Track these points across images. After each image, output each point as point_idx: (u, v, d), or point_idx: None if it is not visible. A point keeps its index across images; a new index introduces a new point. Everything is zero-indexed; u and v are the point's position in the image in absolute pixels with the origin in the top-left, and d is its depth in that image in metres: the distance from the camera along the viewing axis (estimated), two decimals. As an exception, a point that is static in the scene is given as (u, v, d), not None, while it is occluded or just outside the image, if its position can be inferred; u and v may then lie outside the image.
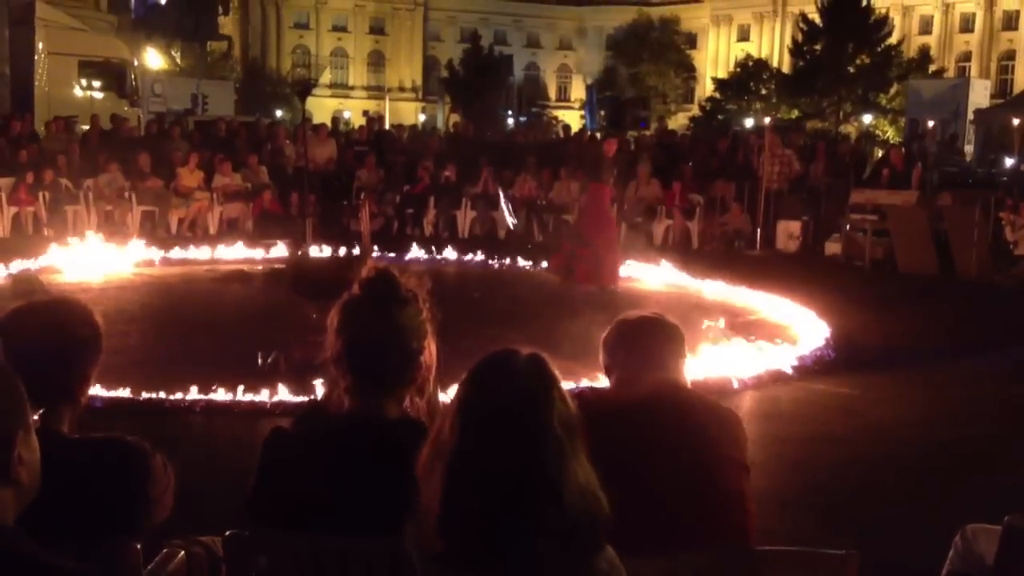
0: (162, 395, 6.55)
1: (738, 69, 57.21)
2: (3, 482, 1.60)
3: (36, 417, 1.87)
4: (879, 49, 48.34)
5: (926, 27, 64.67)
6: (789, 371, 7.90)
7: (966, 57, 62.79)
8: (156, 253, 13.69)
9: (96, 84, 23.95)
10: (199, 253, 13.97)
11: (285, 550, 2.26)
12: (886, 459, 6.06)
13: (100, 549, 2.22)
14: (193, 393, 6.56)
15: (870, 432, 6.62)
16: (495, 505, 1.76)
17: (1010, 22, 61.90)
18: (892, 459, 6.07)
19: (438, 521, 1.80)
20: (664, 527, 2.44)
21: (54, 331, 2.37)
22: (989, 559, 3.09)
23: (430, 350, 2.42)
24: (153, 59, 43.56)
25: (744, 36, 71.90)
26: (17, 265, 11.90)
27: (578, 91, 72.57)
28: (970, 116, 26.91)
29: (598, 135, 25.97)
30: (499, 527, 1.76)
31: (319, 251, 12.50)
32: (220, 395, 6.57)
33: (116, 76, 24.39)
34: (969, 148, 22.58)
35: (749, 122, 43.74)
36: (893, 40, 51.03)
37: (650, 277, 12.54)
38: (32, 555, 1.54)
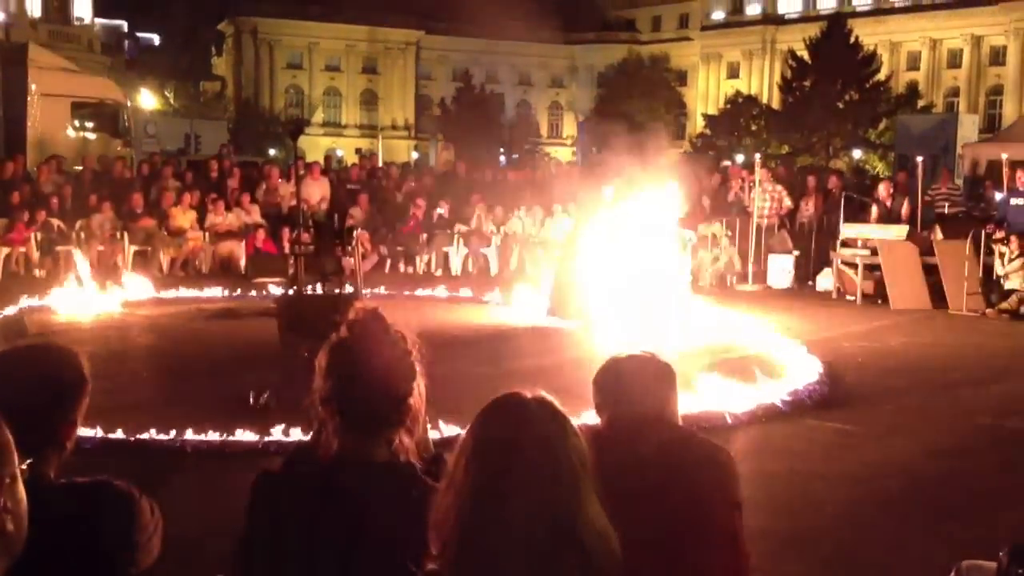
0: (152, 435, 6.51)
1: (728, 105, 57.67)
2: (-12, 532, 1.58)
3: (24, 466, 1.85)
4: (867, 85, 48.87)
5: (914, 63, 65.37)
6: (782, 406, 7.88)
7: (954, 92, 63.41)
8: (148, 293, 13.67)
9: (89, 125, 24.00)
10: (191, 292, 13.97)
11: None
12: (880, 495, 6.04)
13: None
14: (183, 433, 6.52)
15: (864, 468, 6.60)
16: (515, 547, 1.76)
17: (997, 57, 62.59)
18: (886, 495, 6.05)
19: (454, 565, 1.79)
20: (657, 568, 2.41)
21: (40, 377, 2.35)
22: (985, 596, 3.06)
23: (419, 391, 2.41)
24: (146, 99, 43.77)
25: (734, 73, 72.54)
26: (7, 308, 11.87)
27: (569, 128, 73.05)
28: (959, 151, 27.07)
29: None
30: (520, 569, 1.76)
31: (311, 290, 12.48)
32: (211, 435, 6.53)
33: (109, 117, 24.45)
34: (959, 182, 22.70)
35: (740, 158, 43.99)
36: (881, 76, 51.62)
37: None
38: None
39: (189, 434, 6.53)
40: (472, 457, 1.84)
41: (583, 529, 1.79)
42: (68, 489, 2.32)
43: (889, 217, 16.21)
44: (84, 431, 5.77)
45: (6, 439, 1.62)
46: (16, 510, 1.63)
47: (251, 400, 7.21)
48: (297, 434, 6.07)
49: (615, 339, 10.22)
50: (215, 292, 14.02)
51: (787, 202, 17.43)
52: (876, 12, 65.40)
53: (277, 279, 13.71)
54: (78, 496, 2.30)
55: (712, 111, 61.18)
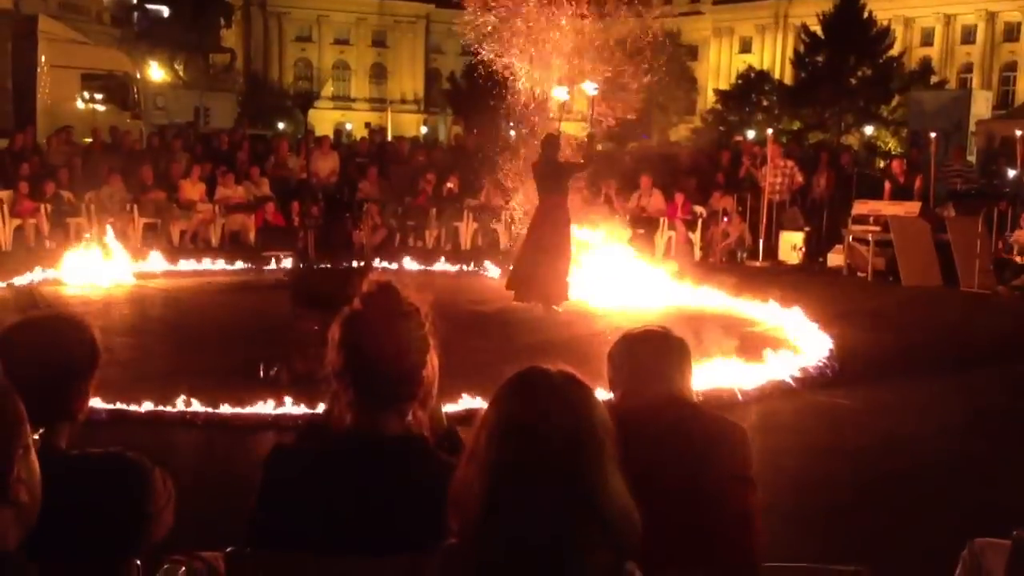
0: (163, 407, 6.53)
1: (740, 81, 57.31)
2: (3, 502, 1.58)
3: (36, 436, 1.85)
4: (880, 61, 48.45)
5: (927, 39, 64.77)
6: (793, 383, 7.87)
7: (967, 69, 62.85)
8: (158, 265, 13.70)
9: (99, 97, 23.97)
10: (201, 265, 13.99)
11: (287, 570, 2.23)
12: (892, 472, 6.02)
13: (100, 567, 2.19)
14: (195, 405, 6.54)
15: (875, 445, 6.58)
16: (540, 521, 1.76)
17: (1011, 33, 61.98)
18: (898, 472, 6.03)
19: (478, 538, 1.79)
20: (670, 544, 2.40)
21: (51, 349, 2.35)
22: (996, 574, 3.06)
23: (432, 364, 2.40)
24: (156, 72, 43.64)
25: (746, 48, 72.02)
26: (18, 278, 11.91)
27: (580, 103, 72.70)
28: (972, 127, 26.90)
29: (599, 146, 25.94)
30: (544, 540, 1.76)
31: (321, 263, 12.48)
32: (222, 407, 6.55)
33: (119, 89, 24.41)
34: (971, 159, 22.58)
35: (751, 133, 43.77)
36: (894, 52, 51.17)
37: (652, 290, 12.48)
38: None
39: (200, 406, 6.54)
40: (496, 431, 1.83)
41: (607, 502, 1.79)
42: (81, 460, 2.32)
43: (902, 194, 16.12)
44: (95, 402, 5.80)
45: (19, 410, 1.61)
46: (30, 480, 1.63)
47: (261, 373, 7.22)
48: (307, 407, 6.07)
49: (623, 315, 10.27)
50: (225, 265, 14.03)
51: (798, 178, 17.35)
52: (890, -13, 64.79)
53: (287, 252, 13.73)
54: (91, 467, 2.30)
55: (724, 86, 60.74)
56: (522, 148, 15.11)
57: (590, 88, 12.53)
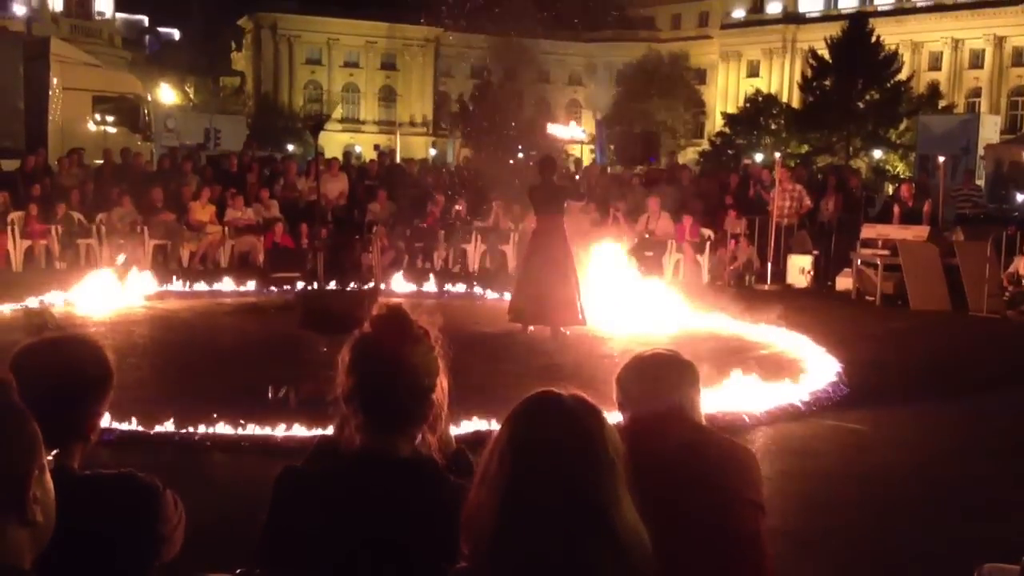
0: (173, 429, 6.54)
1: (748, 104, 57.48)
2: (19, 523, 1.59)
3: (51, 457, 1.86)
4: (888, 85, 48.63)
5: (935, 63, 64.93)
6: (801, 406, 7.86)
7: (976, 93, 62.95)
8: (167, 286, 13.75)
9: (110, 119, 24.13)
10: (210, 286, 14.04)
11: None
12: (900, 496, 6.01)
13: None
14: (204, 427, 6.56)
15: (884, 469, 6.56)
16: (553, 544, 1.76)
17: (1019, 58, 62.11)
18: (906, 496, 6.02)
19: (490, 562, 1.80)
20: (679, 568, 2.41)
21: (66, 370, 2.36)
22: (1006, 600, 3.05)
23: (442, 387, 2.41)
24: (166, 94, 43.96)
25: (754, 72, 72.27)
26: (30, 299, 11.96)
27: (588, 126, 72.94)
28: (980, 152, 26.93)
29: (608, 169, 26.00)
30: (557, 564, 1.76)
31: (330, 285, 12.52)
32: (231, 429, 6.56)
33: (130, 111, 24.58)
34: (980, 183, 22.61)
35: (759, 157, 43.83)
36: (903, 76, 51.32)
37: (663, 315, 12.47)
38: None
39: (209, 428, 6.55)
40: (508, 455, 1.84)
41: (619, 526, 1.80)
42: (93, 481, 2.33)
43: (911, 218, 16.12)
44: (106, 423, 5.82)
45: (34, 431, 1.63)
46: (45, 501, 1.64)
47: (270, 395, 7.23)
48: (316, 430, 6.07)
49: (630, 338, 10.26)
50: (234, 287, 14.06)
51: (807, 201, 17.37)
52: (898, 12, 65.02)
53: (296, 274, 13.77)
54: (103, 488, 2.32)
55: (732, 110, 60.97)
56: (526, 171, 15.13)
57: (578, 132, 12.56)
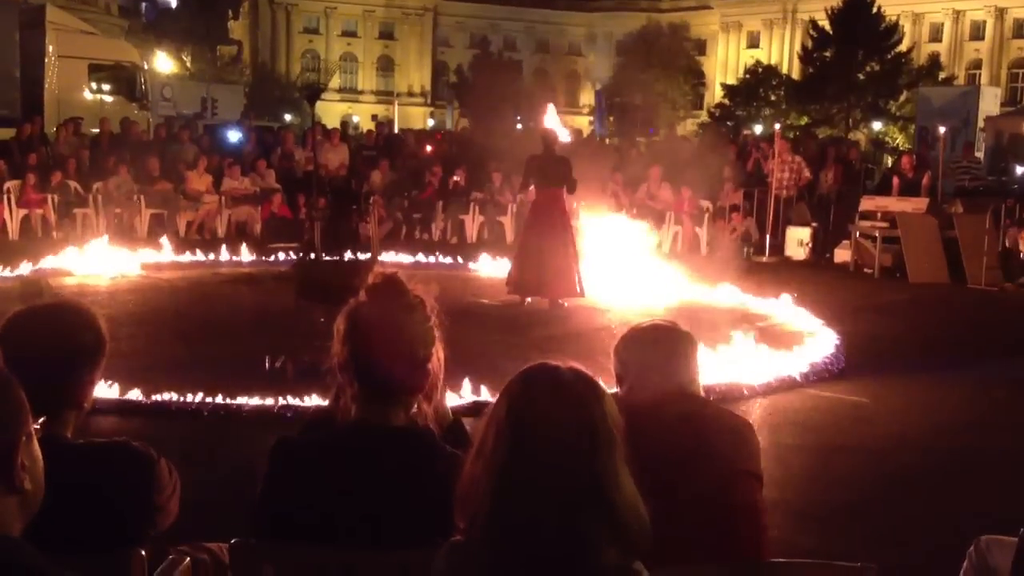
0: (168, 398, 6.53)
1: (747, 75, 57.19)
2: (7, 490, 1.57)
3: (39, 424, 1.84)
4: (889, 56, 48.35)
5: (936, 35, 64.58)
6: (799, 378, 7.85)
7: (976, 65, 62.67)
8: (164, 255, 13.71)
9: (106, 87, 24.00)
10: (207, 256, 14.01)
11: (292, 561, 2.23)
12: (898, 469, 6.01)
13: (105, 557, 2.19)
14: (199, 396, 6.54)
15: (881, 441, 6.57)
16: (549, 515, 1.75)
17: (1020, 30, 61.78)
18: (904, 469, 6.02)
19: (486, 535, 1.78)
20: (676, 540, 2.39)
21: (57, 336, 2.34)
22: (1003, 572, 3.04)
23: (437, 356, 2.39)
24: (163, 63, 43.60)
25: (754, 43, 71.88)
26: (25, 268, 11.93)
27: (587, 97, 72.57)
28: (980, 124, 26.82)
29: (607, 140, 25.90)
30: (554, 539, 1.75)
31: (327, 255, 12.48)
32: (227, 398, 6.55)
33: (126, 80, 24.46)
34: (979, 155, 22.54)
35: (758, 128, 43.66)
36: (903, 48, 51.02)
37: (661, 285, 12.45)
38: (39, 567, 1.50)
39: (204, 397, 6.54)
40: (504, 428, 1.81)
41: (616, 499, 1.78)
42: (86, 449, 2.32)
43: (910, 190, 16.08)
44: (100, 392, 5.80)
45: (19, 398, 1.61)
46: (33, 468, 1.62)
47: (266, 364, 7.22)
48: (313, 399, 6.07)
49: (628, 310, 10.24)
50: (231, 256, 14.04)
51: (806, 173, 17.31)
52: (899, -18, 64.59)
53: (293, 244, 13.73)
54: (96, 457, 2.30)
55: (731, 81, 60.64)
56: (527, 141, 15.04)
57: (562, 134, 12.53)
